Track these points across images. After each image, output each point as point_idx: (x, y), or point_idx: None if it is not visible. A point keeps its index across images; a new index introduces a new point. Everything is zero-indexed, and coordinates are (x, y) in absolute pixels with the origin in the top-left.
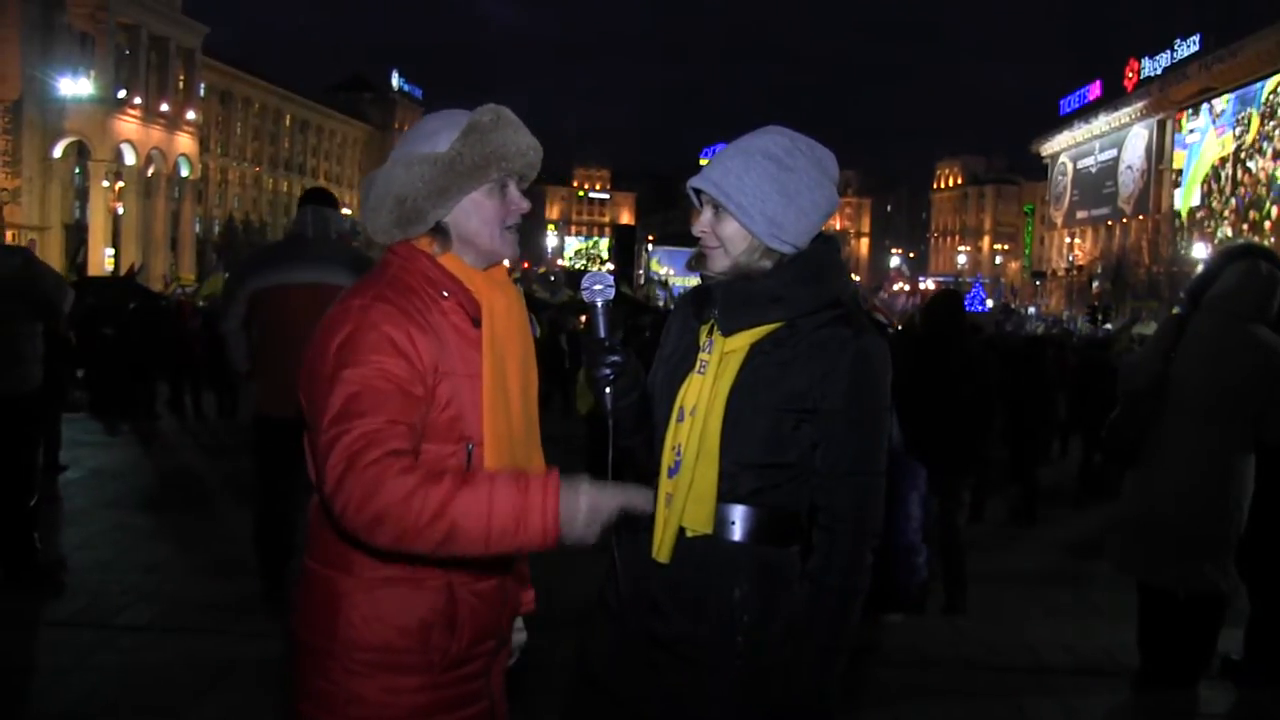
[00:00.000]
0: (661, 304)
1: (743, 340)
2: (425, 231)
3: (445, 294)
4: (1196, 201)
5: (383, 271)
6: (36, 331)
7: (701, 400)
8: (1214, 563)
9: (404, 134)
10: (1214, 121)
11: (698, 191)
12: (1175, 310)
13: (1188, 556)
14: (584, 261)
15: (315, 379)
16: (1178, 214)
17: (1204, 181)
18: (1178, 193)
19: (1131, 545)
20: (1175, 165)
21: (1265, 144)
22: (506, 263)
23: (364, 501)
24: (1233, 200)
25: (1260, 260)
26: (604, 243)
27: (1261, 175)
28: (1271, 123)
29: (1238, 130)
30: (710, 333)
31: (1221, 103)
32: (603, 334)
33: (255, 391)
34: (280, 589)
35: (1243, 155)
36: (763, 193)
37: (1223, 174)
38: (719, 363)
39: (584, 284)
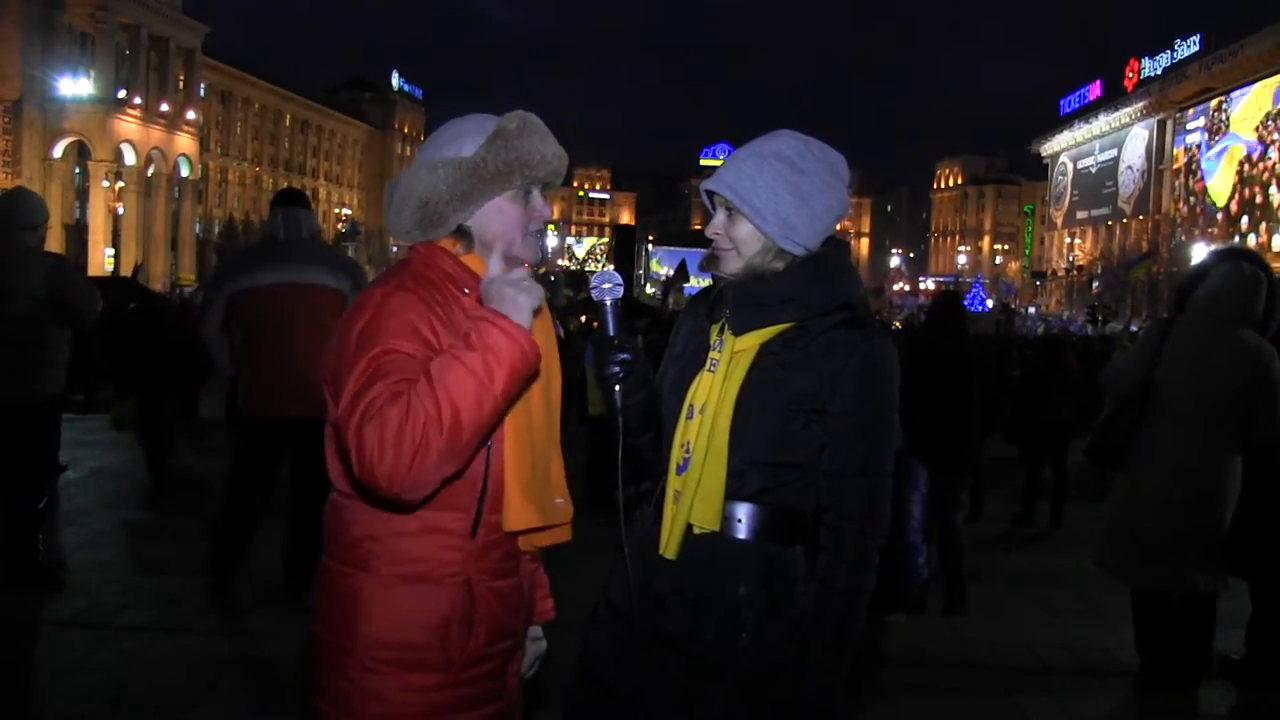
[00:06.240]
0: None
1: (753, 340)
2: (447, 234)
3: (466, 291)
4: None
5: (405, 266)
6: (65, 339)
7: (711, 398)
8: (1202, 563)
9: (430, 137)
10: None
11: (710, 194)
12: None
13: (1177, 558)
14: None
15: (337, 368)
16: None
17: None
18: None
19: (1120, 549)
20: (1175, 166)
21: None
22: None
23: (380, 437)
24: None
25: (1242, 263)
26: (589, 240)
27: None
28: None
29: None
30: (721, 332)
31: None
32: (612, 332)
33: (241, 392)
34: (222, 588)
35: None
36: (777, 195)
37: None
38: (729, 361)
39: (593, 283)
